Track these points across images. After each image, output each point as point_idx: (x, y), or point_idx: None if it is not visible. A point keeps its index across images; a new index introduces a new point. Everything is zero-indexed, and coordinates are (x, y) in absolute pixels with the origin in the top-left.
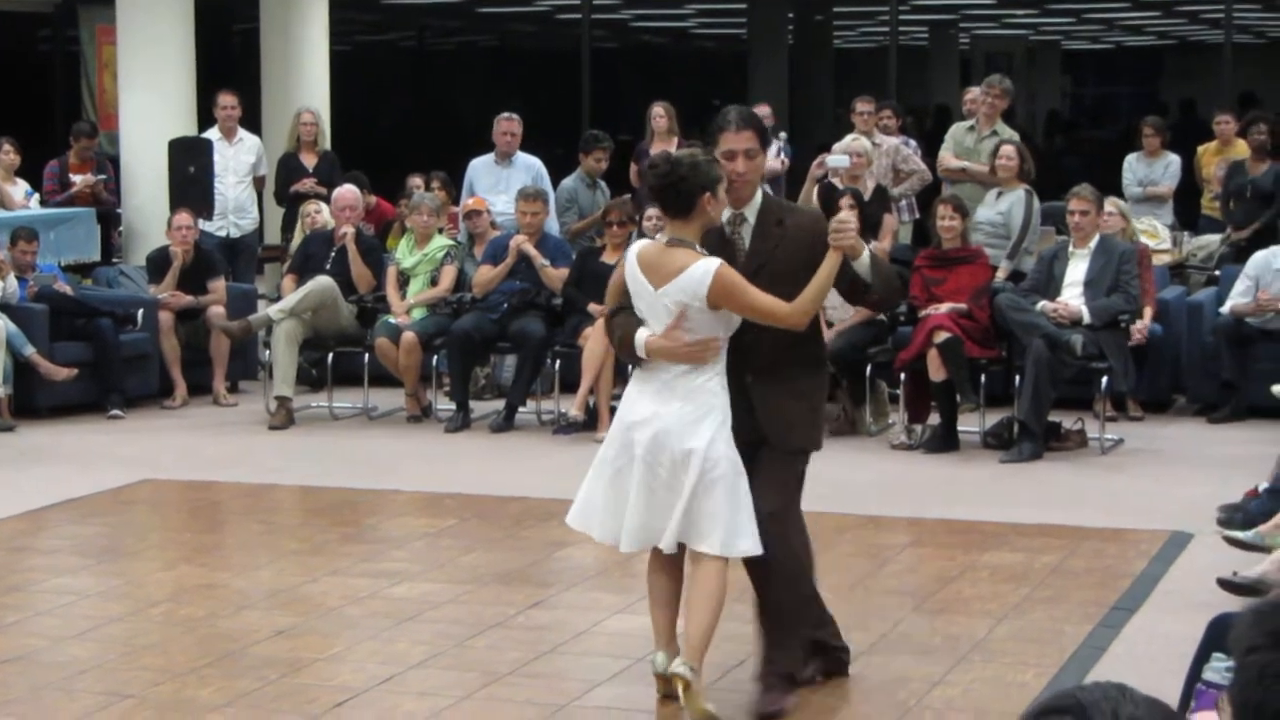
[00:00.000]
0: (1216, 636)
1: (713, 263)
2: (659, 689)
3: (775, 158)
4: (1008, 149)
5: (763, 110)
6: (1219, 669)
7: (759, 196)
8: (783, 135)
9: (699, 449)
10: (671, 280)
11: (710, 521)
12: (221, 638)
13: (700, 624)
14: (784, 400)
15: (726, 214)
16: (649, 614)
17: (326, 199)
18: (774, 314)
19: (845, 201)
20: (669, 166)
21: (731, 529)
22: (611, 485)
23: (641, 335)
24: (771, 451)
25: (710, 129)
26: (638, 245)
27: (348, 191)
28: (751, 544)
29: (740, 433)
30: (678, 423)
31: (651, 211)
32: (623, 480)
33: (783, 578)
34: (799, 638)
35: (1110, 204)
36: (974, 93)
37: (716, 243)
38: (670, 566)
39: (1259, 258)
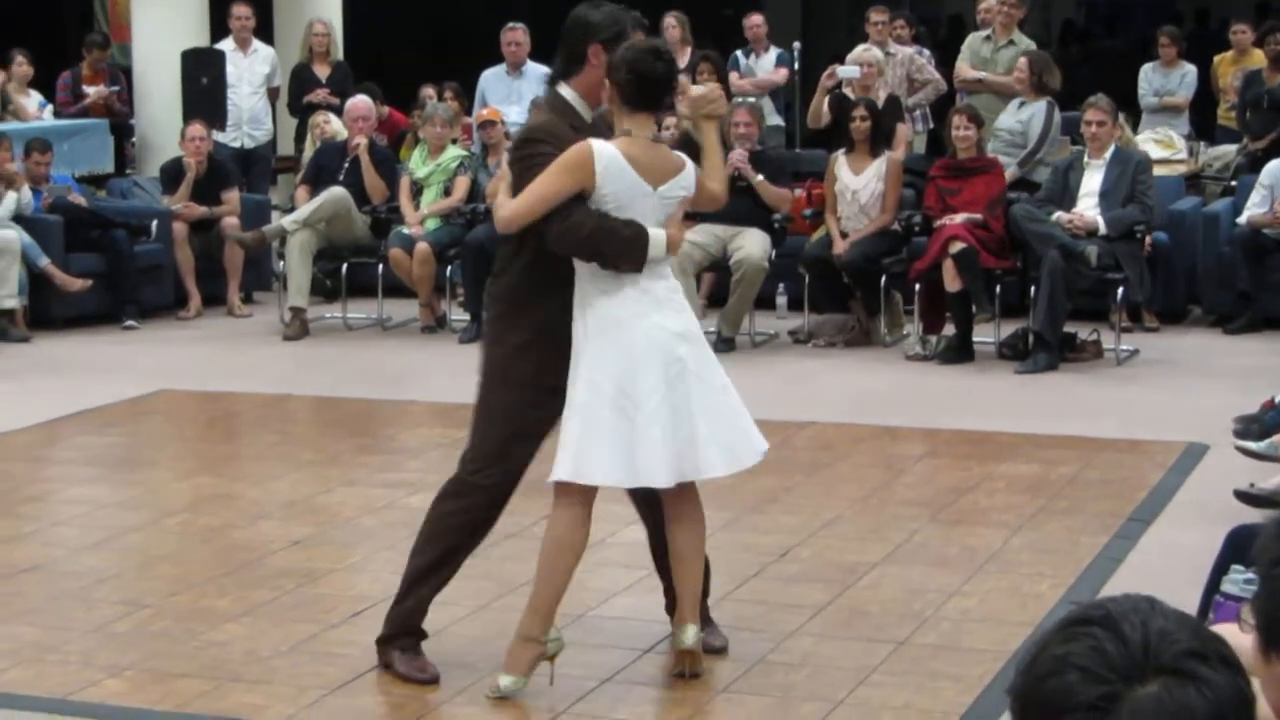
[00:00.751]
0: (1235, 548)
1: (685, 156)
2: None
3: (774, 70)
4: (1022, 61)
5: (755, 20)
6: (1237, 581)
7: None
8: (796, 46)
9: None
10: (672, 178)
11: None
12: (238, 548)
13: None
14: None
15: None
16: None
17: (339, 110)
18: (721, 198)
19: (856, 111)
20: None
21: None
22: (674, 414)
23: (660, 234)
24: None
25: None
26: (614, 145)
27: (361, 102)
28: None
29: None
30: (696, 332)
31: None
32: (684, 403)
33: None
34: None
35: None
36: (989, 2)
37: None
38: None
39: (1273, 167)
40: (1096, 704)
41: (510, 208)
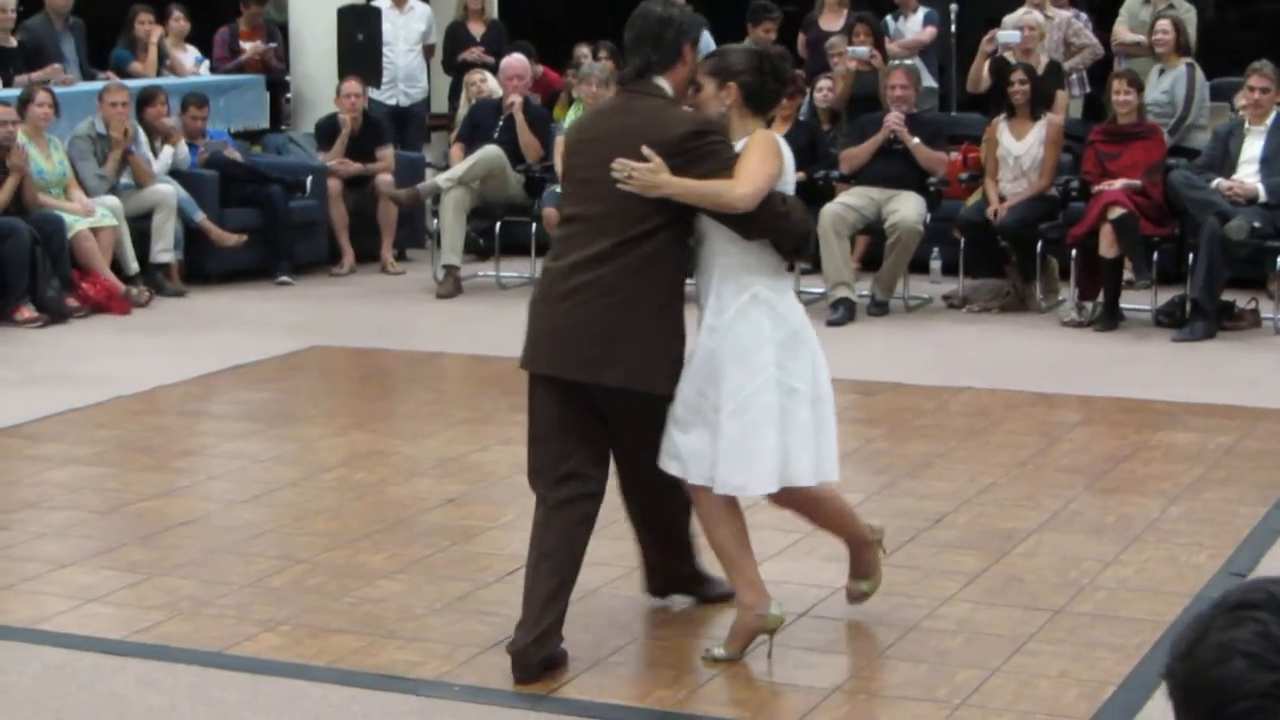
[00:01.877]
0: None
1: None
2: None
3: (922, 29)
4: (1163, 23)
5: None
6: None
7: None
8: (953, 8)
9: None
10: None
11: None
12: (392, 504)
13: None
14: None
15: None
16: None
17: (494, 68)
18: None
19: (1016, 76)
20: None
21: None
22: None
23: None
24: None
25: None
26: (778, 134)
27: (516, 60)
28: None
29: None
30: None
31: (823, 83)
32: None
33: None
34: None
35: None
36: None
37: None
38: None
39: None
40: (1270, 691)
41: (750, 186)
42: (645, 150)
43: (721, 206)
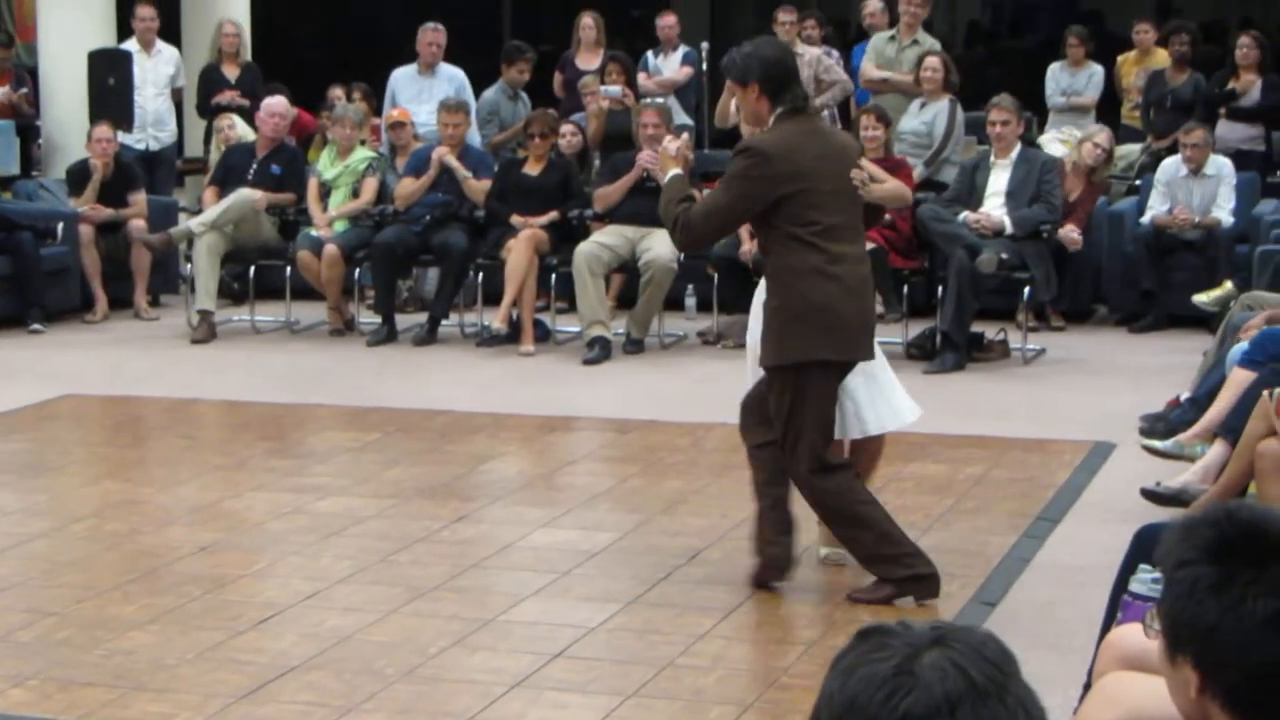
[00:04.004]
0: (1142, 547)
1: None
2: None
3: (679, 69)
4: (933, 60)
5: (667, 20)
6: (1145, 580)
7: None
8: (704, 46)
9: None
10: None
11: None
12: (145, 554)
13: None
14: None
15: None
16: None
17: (249, 110)
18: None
19: None
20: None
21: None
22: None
23: None
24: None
25: None
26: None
27: (277, 101)
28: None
29: None
30: None
31: (566, 129)
32: None
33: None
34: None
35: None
36: (872, 5)
37: None
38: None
39: (1167, 165)
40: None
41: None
42: (865, 163)
43: (901, 202)
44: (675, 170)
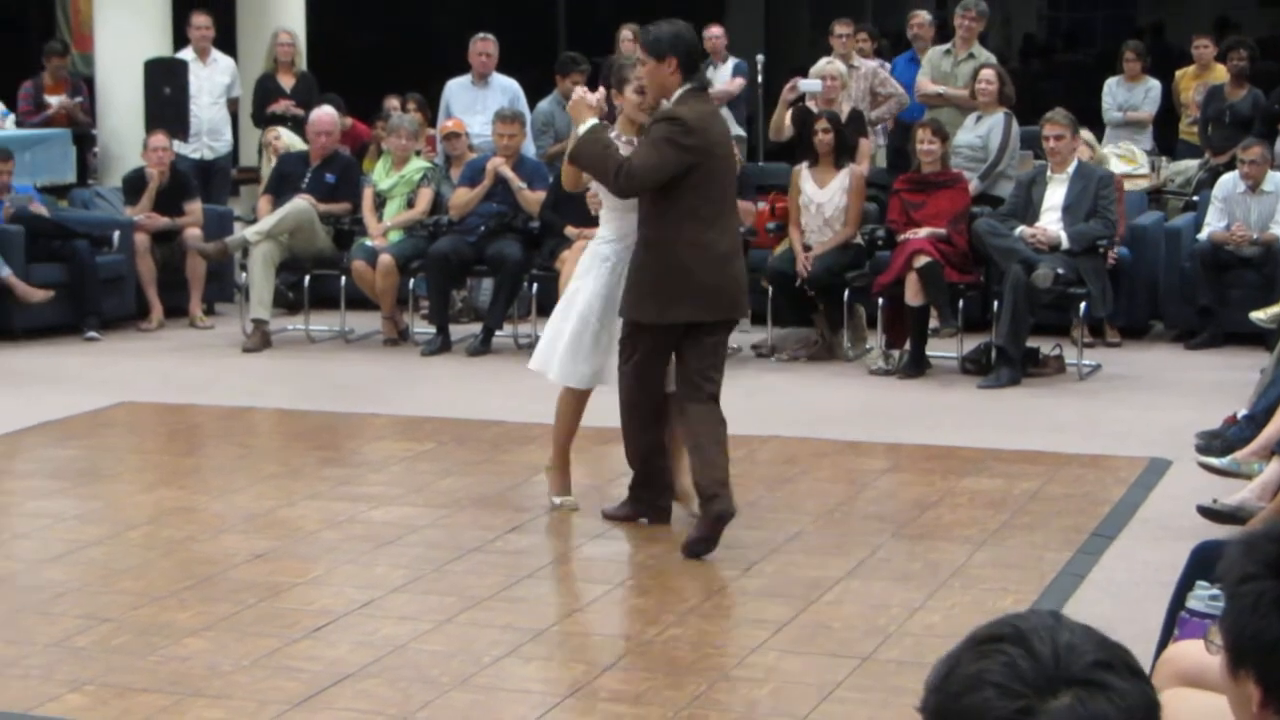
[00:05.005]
0: (1200, 564)
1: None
2: None
3: (730, 79)
4: (987, 73)
5: (714, 31)
6: (1203, 597)
7: (676, 95)
8: (760, 58)
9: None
10: None
11: (549, 353)
12: (200, 561)
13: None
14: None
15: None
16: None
17: (303, 120)
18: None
19: (819, 124)
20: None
21: (566, 360)
22: None
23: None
24: None
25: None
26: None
27: (325, 115)
28: (555, 375)
29: None
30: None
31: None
32: None
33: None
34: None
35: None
36: (920, 18)
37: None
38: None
39: (1225, 181)
40: (1015, 717)
41: None
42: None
43: None
44: (593, 120)
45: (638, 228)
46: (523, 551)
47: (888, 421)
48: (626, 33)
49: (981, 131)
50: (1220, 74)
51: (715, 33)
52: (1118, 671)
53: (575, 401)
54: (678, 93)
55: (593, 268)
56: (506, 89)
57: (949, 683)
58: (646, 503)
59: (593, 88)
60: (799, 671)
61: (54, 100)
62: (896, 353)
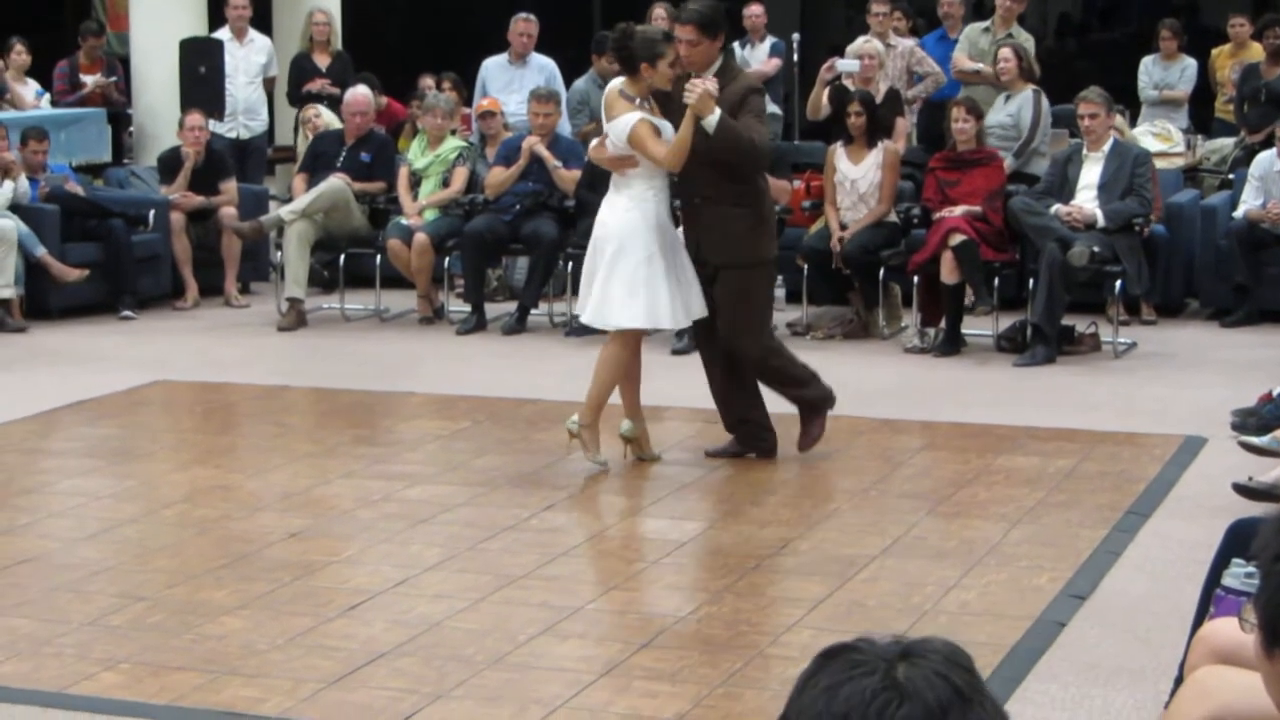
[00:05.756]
0: (1235, 541)
1: (633, 117)
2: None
3: (767, 60)
4: (1005, 51)
5: (754, 10)
6: (1238, 574)
7: (713, 69)
8: (795, 37)
9: (613, 250)
10: (611, 121)
11: (620, 303)
12: (235, 540)
13: (594, 384)
14: (707, 226)
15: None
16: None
17: (339, 99)
18: (659, 161)
19: (852, 106)
20: (623, 35)
21: (649, 307)
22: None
23: (592, 145)
24: (723, 272)
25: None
26: (615, 81)
27: (360, 96)
28: (618, 318)
29: (693, 249)
30: (611, 228)
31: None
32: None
33: (747, 367)
34: (789, 386)
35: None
36: None
37: (668, 99)
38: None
39: (1262, 159)
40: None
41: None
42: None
43: None
44: (718, 109)
45: (710, 192)
46: (558, 530)
47: (923, 399)
48: (660, 11)
49: (1011, 110)
50: (1256, 52)
51: (755, 11)
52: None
53: (632, 350)
54: (716, 64)
55: (637, 218)
56: (544, 68)
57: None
58: (754, 436)
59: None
60: None
61: (89, 80)
62: (932, 331)
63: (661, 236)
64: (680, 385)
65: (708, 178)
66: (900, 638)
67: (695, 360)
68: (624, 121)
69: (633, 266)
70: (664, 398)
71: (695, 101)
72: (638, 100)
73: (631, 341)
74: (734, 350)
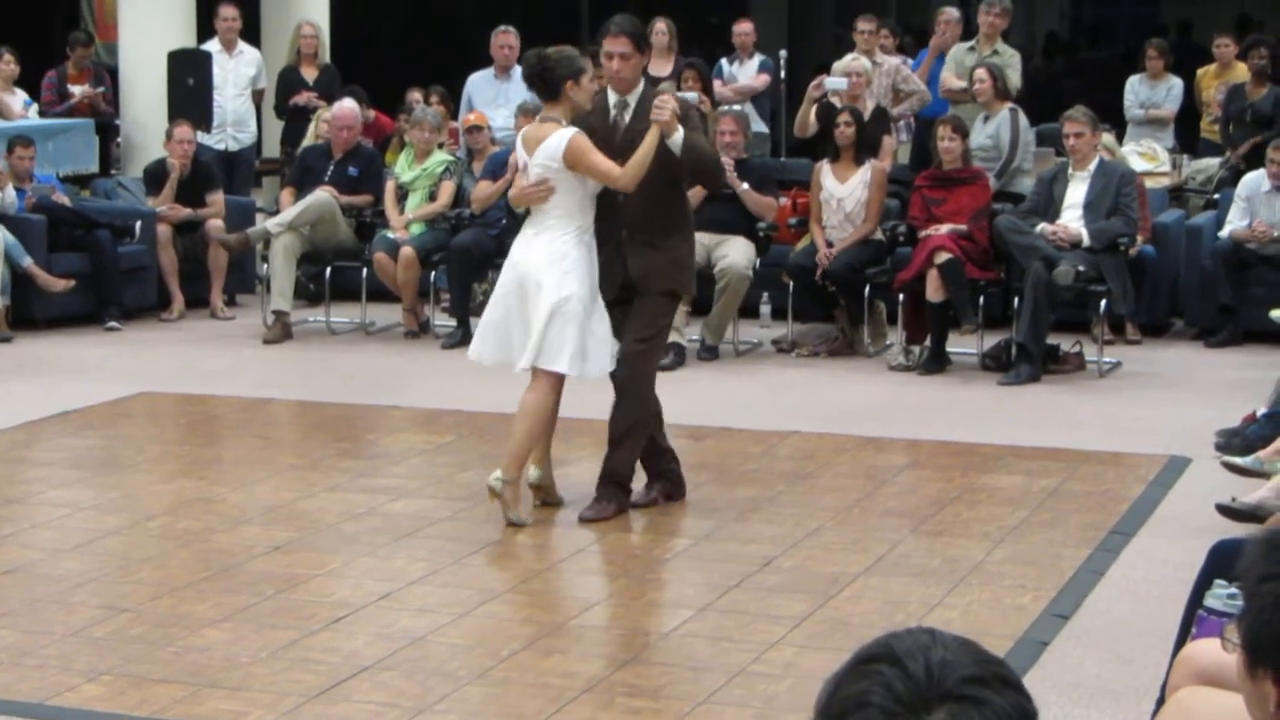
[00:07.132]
0: (1217, 562)
1: (568, 132)
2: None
3: (756, 75)
4: (980, 71)
5: (743, 27)
6: (1221, 596)
7: (640, 87)
8: (782, 54)
9: (548, 287)
10: (538, 147)
11: (559, 347)
12: (218, 552)
13: (518, 434)
14: (648, 252)
15: (614, 99)
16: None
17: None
18: (609, 176)
19: (842, 118)
20: (538, 59)
21: (580, 352)
22: (490, 314)
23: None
24: (640, 297)
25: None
26: (524, 128)
27: (346, 110)
28: (598, 368)
29: (614, 280)
30: (535, 266)
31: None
32: (496, 309)
33: (626, 396)
34: (635, 451)
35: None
36: (947, 14)
37: (601, 123)
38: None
39: (1249, 179)
40: None
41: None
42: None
43: None
44: (681, 128)
45: (654, 216)
46: (541, 545)
47: (907, 417)
48: (661, 25)
49: (990, 131)
50: (1241, 72)
51: (745, 28)
52: (990, 685)
53: (558, 396)
54: (641, 81)
55: (567, 256)
56: None
57: (832, 705)
58: (667, 476)
59: None
60: (817, 667)
61: (77, 90)
62: (917, 349)
63: (590, 276)
64: (667, 402)
65: (638, 206)
66: (929, 646)
67: (676, 376)
68: (558, 138)
69: (561, 307)
70: None
71: (666, 119)
72: (563, 123)
73: (559, 386)
74: (628, 360)
